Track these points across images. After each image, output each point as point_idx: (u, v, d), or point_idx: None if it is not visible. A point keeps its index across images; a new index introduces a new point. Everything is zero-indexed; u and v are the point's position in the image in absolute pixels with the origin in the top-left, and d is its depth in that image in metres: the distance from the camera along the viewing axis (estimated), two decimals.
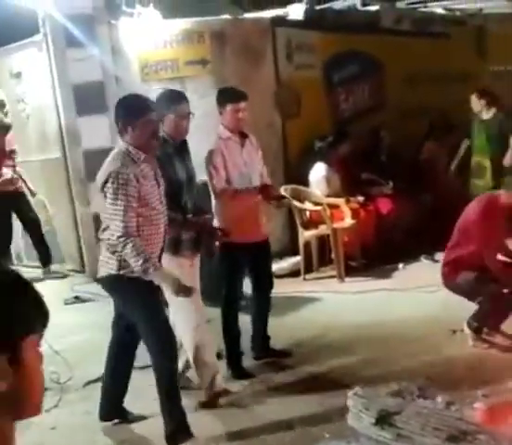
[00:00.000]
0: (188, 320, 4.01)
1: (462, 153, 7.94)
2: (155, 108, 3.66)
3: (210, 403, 4.09)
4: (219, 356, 4.43)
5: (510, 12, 9.86)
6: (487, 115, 7.49)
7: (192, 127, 4.12)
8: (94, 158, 6.14)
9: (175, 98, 4.09)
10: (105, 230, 3.58)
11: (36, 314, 1.30)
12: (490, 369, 4.23)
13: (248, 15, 7.72)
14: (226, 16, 7.14)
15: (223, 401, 4.12)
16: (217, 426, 3.86)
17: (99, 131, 6.31)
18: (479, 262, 4.58)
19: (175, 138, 4.08)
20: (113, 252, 3.51)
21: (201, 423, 3.80)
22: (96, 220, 5.65)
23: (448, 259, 4.82)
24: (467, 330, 4.74)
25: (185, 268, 4.02)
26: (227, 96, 4.54)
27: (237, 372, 4.50)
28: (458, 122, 7.81)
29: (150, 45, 6.70)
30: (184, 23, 6.80)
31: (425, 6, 9.60)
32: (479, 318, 4.70)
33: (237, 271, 4.58)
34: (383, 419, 3.05)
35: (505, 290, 4.60)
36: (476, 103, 7.47)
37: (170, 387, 3.63)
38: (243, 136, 4.59)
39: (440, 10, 9.51)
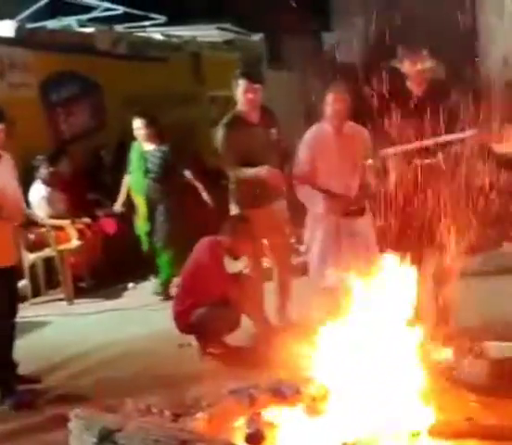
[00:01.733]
0: None
1: (125, 189, 6.77)
2: None
3: None
4: None
5: (221, 40, 10.51)
6: (149, 146, 6.47)
7: None
8: None
9: None
10: None
11: None
12: (213, 379, 4.39)
13: None
14: None
15: None
16: None
17: None
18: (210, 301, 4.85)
19: None
20: None
21: None
22: None
23: (183, 306, 4.95)
24: (194, 343, 4.95)
25: None
26: None
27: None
28: None
29: None
30: None
31: (143, 31, 9.85)
32: (200, 333, 4.93)
33: None
34: (105, 438, 3.03)
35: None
36: (141, 130, 6.38)
37: None
38: None
39: (157, 36, 9.82)
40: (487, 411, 3.32)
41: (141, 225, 6.63)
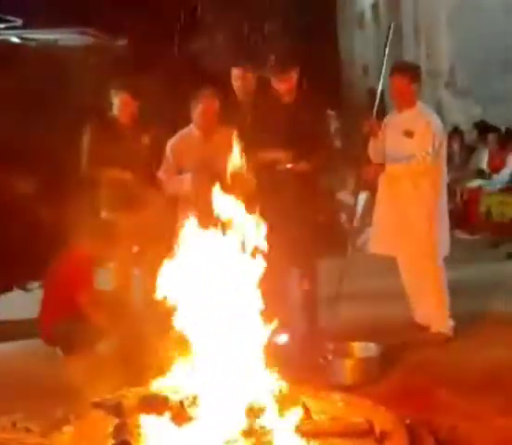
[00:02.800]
0: None
1: None
2: None
3: None
4: None
5: (83, 44, 10.32)
6: None
7: None
8: None
9: None
10: None
11: None
12: (81, 390, 4.26)
13: None
14: None
15: None
16: None
17: None
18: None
19: None
20: None
21: None
22: None
23: (47, 318, 4.91)
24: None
25: None
26: None
27: None
28: None
29: None
30: None
31: None
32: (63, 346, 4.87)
33: None
34: None
35: None
36: None
37: None
38: None
39: (14, 39, 9.48)
40: (350, 409, 3.42)
41: None
